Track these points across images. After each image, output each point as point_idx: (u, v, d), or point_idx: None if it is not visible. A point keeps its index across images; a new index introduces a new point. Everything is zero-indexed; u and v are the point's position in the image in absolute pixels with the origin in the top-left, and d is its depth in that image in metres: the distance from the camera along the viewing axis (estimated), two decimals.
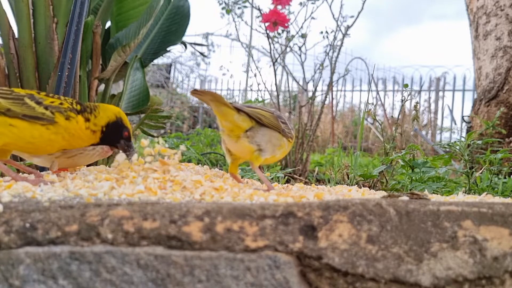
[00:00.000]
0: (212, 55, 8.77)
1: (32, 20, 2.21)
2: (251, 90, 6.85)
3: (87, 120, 1.16)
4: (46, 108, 1.10)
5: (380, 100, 6.53)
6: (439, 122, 7.33)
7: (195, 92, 1.17)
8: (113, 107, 1.22)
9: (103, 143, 1.23)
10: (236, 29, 3.43)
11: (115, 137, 1.22)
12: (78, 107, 1.16)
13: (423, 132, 6.45)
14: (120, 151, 1.30)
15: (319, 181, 2.79)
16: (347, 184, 1.90)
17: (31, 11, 2.20)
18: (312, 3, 3.13)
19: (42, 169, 1.70)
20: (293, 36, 3.18)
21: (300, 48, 3.24)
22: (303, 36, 3.20)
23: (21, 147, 1.12)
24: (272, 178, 2.04)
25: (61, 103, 1.13)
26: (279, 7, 3.03)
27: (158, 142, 1.28)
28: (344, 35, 3.00)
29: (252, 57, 3.73)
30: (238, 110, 1.21)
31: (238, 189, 1.08)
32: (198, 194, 1.01)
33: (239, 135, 1.23)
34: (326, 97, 3.29)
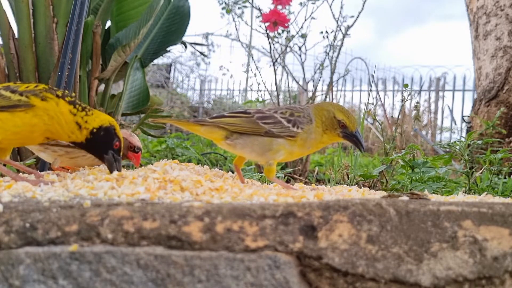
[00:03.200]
0: (212, 55, 8.77)
1: (32, 20, 2.21)
2: (251, 90, 6.85)
3: (73, 105, 1.12)
4: (21, 94, 1.09)
5: (380, 100, 6.53)
6: (439, 122, 7.33)
7: (154, 121, 1.29)
8: (108, 116, 1.18)
9: (89, 148, 1.16)
10: (236, 29, 3.43)
11: (105, 145, 1.15)
12: (60, 92, 1.13)
13: (423, 132, 6.45)
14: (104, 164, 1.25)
15: (319, 181, 2.79)
16: (347, 184, 1.90)
17: (31, 11, 2.20)
18: (312, 3, 3.13)
19: (42, 169, 1.70)
20: (293, 36, 3.18)
21: (300, 48, 3.24)
22: (303, 36, 3.20)
23: (12, 140, 1.11)
24: None
25: (36, 86, 1.12)
26: (279, 7, 3.03)
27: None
28: (344, 35, 3.00)
29: (252, 57, 3.73)
30: (201, 123, 1.25)
31: (238, 189, 1.08)
32: (198, 194, 1.01)
33: (221, 143, 1.27)
34: (326, 97, 3.29)
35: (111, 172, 1.15)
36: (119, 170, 1.16)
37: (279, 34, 3.14)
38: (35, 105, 1.09)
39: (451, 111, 6.91)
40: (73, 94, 1.17)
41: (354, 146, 1.26)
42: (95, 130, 1.14)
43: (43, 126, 1.10)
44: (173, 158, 2.66)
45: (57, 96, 1.12)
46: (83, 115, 1.14)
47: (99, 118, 1.15)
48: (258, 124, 1.23)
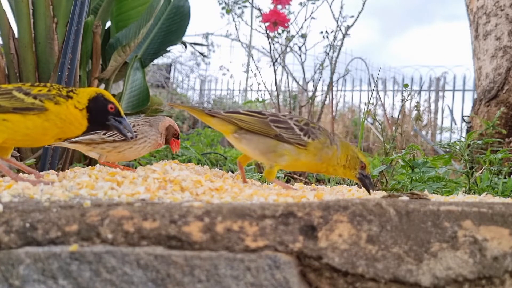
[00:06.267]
0: (212, 55, 8.74)
1: (32, 20, 2.21)
2: (251, 90, 6.85)
3: (71, 98, 1.12)
4: (35, 97, 1.09)
5: (380, 100, 6.53)
6: (439, 122, 7.32)
7: (171, 105, 1.32)
8: (92, 87, 1.18)
9: (93, 126, 1.15)
10: (236, 29, 3.42)
11: (102, 114, 1.13)
12: (64, 92, 1.13)
13: (423, 132, 6.45)
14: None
15: (319, 181, 2.79)
16: (347, 184, 1.90)
17: (31, 11, 2.20)
18: (312, 3, 3.13)
19: (42, 169, 1.70)
20: (293, 36, 3.18)
21: (300, 48, 3.24)
22: (303, 36, 3.20)
23: (19, 140, 1.11)
24: None
25: (49, 90, 1.12)
26: (279, 7, 3.03)
27: None
28: (344, 35, 3.00)
29: (252, 57, 3.73)
30: (213, 115, 1.25)
31: (238, 189, 1.08)
32: (198, 194, 1.01)
33: (229, 136, 1.28)
34: (326, 97, 3.29)
35: (125, 135, 1.15)
36: (131, 132, 1.16)
37: (279, 34, 3.14)
38: (49, 109, 1.09)
39: (451, 111, 6.91)
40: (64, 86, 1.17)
41: (364, 188, 1.31)
42: (88, 104, 1.12)
43: (55, 129, 1.11)
44: (173, 158, 2.66)
45: (66, 97, 1.12)
46: (76, 98, 1.13)
47: (85, 92, 1.14)
48: (270, 126, 1.23)
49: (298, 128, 1.24)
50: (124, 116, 1.16)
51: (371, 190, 1.28)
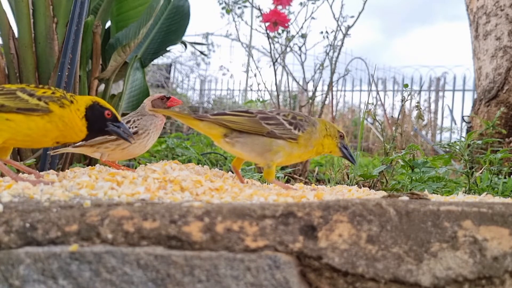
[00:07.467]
0: (212, 55, 8.73)
1: (32, 20, 2.21)
2: (251, 90, 6.84)
3: (73, 103, 1.13)
4: (39, 99, 1.10)
5: (380, 100, 6.52)
6: (439, 122, 7.33)
7: (154, 111, 1.35)
8: (87, 96, 1.20)
9: (92, 133, 1.17)
10: (236, 29, 3.42)
11: (100, 121, 1.15)
12: (69, 96, 1.14)
13: (423, 132, 6.45)
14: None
15: (319, 181, 2.79)
16: (347, 184, 1.90)
17: (31, 11, 2.20)
18: (312, 3, 3.13)
19: (42, 169, 1.70)
20: (293, 36, 3.17)
21: (300, 48, 3.23)
22: (303, 36, 3.20)
23: (19, 141, 1.12)
24: None
25: (53, 93, 1.12)
26: (280, 7, 3.03)
27: None
28: (345, 35, 3.00)
29: (252, 57, 3.72)
30: (201, 119, 1.23)
31: (238, 189, 1.08)
32: (198, 194, 1.01)
33: (219, 141, 1.26)
34: (326, 97, 3.29)
35: (126, 139, 1.18)
36: (131, 135, 1.18)
37: (279, 34, 3.14)
38: (53, 111, 1.09)
39: (451, 111, 6.91)
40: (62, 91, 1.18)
41: (345, 159, 1.36)
42: (85, 114, 1.14)
43: (56, 131, 1.11)
44: (173, 158, 2.66)
45: (70, 102, 1.13)
46: (75, 105, 1.14)
47: (82, 101, 1.16)
48: (261, 124, 1.23)
49: (287, 123, 1.25)
50: (122, 121, 1.18)
51: (351, 159, 1.32)
